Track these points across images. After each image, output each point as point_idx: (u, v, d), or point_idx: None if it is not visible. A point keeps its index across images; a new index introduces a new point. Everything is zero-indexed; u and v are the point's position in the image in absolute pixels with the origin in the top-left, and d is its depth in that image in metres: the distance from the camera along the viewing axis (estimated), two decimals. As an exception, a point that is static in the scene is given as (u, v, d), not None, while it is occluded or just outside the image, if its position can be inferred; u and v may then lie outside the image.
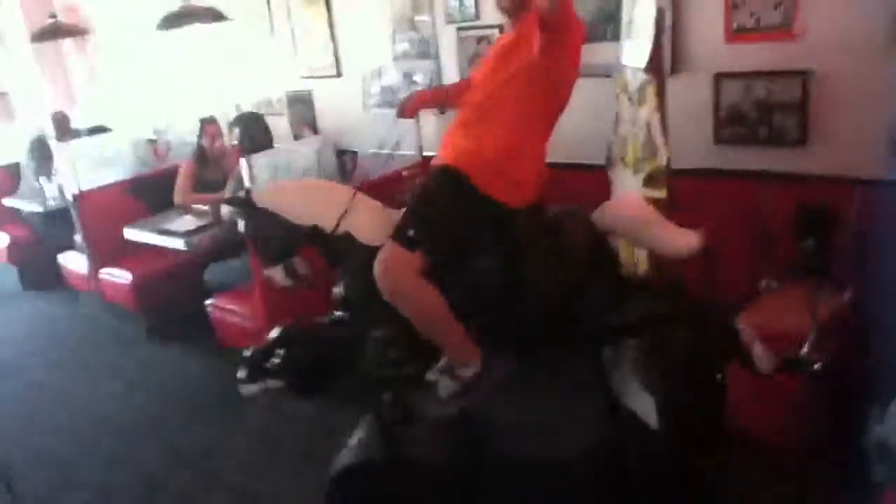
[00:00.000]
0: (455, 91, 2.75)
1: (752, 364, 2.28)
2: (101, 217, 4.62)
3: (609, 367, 2.67)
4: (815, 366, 2.41)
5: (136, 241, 4.23)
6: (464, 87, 2.63)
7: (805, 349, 2.42)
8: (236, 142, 4.20)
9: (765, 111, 2.91)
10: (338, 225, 2.41)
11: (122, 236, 4.29)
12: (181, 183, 4.49)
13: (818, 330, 2.44)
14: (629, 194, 2.57)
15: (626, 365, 2.64)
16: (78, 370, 4.41)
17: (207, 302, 3.94)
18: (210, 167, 4.52)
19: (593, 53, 3.30)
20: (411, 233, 2.26)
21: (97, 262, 4.67)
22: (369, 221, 2.44)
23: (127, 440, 3.58)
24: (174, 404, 3.83)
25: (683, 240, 2.25)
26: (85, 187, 4.63)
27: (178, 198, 4.46)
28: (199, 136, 4.54)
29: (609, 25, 3.27)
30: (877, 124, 2.54)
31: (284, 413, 3.50)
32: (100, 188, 4.70)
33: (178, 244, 3.99)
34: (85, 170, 4.68)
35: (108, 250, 4.59)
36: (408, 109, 2.73)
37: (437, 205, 2.33)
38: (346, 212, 2.41)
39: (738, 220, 2.91)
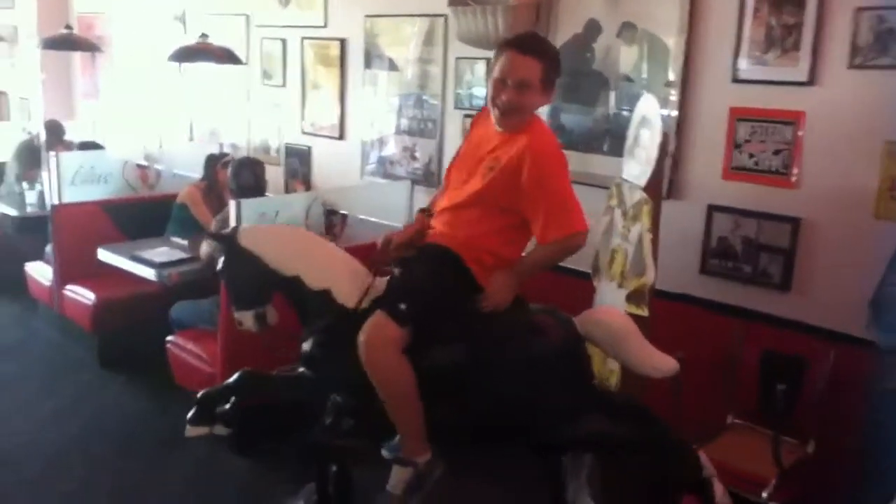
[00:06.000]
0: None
1: (711, 500, 2.26)
2: (76, 232, 4.53)
3: (567, 474, 2.63)
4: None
5: (107, 263, 4.14)
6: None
7: (765, 494, 2.41)
8: (231, 183, 4.15)
9: (753, 250, 2.97)
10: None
11: (93, 255, 4.19)
12: (204, 212, 4.34)
13: (780, 476, 2.43)
14: (614, 307, 2.58)
15: (582, 476, 2.60)
16: (13, 383, 4.22)
17: (168, 338, 3.84)
18: (211, 201, 4.44)
19: (590, 164, 3.39)
20: (403, 307, 2.23)
21: (63, 276, 4.56)
22: (353, 284, 2.41)
23: (46, 467, 3.39)
24: (105, 436, 3.67)
25: (660, 362, 2.25)
26: (66, 200, 4.56)
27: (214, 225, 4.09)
28: (216, 169, 4.42)
29: (605, 139, 3.37)
30: (860, 282, 2.59)
31: (217, 467, 3.37)
32: (79, 203, 4.62)
33: (149, 274, 3.91)
34: (70, 183, 4.62)
35: (77, 267, 4.49)
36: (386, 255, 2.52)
37: (432, 282, 2.31)
38: (368, 289, 2.37)
39: (711, 352, 2.94)
